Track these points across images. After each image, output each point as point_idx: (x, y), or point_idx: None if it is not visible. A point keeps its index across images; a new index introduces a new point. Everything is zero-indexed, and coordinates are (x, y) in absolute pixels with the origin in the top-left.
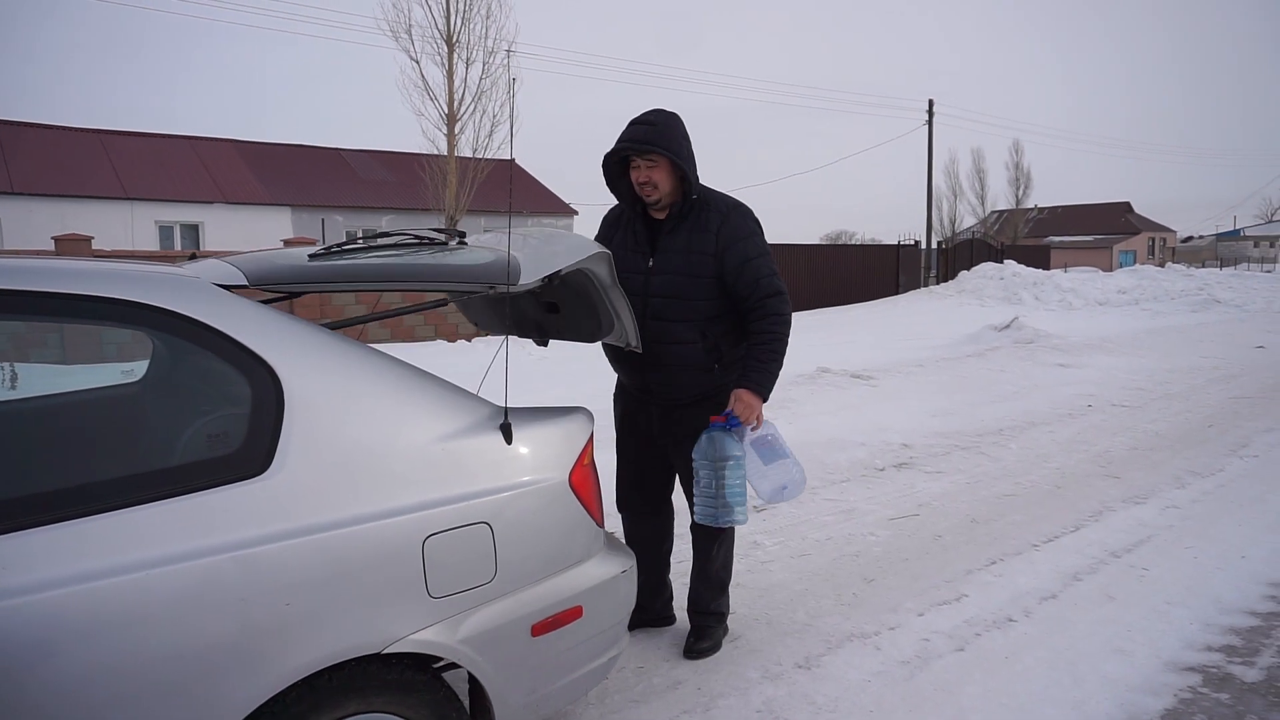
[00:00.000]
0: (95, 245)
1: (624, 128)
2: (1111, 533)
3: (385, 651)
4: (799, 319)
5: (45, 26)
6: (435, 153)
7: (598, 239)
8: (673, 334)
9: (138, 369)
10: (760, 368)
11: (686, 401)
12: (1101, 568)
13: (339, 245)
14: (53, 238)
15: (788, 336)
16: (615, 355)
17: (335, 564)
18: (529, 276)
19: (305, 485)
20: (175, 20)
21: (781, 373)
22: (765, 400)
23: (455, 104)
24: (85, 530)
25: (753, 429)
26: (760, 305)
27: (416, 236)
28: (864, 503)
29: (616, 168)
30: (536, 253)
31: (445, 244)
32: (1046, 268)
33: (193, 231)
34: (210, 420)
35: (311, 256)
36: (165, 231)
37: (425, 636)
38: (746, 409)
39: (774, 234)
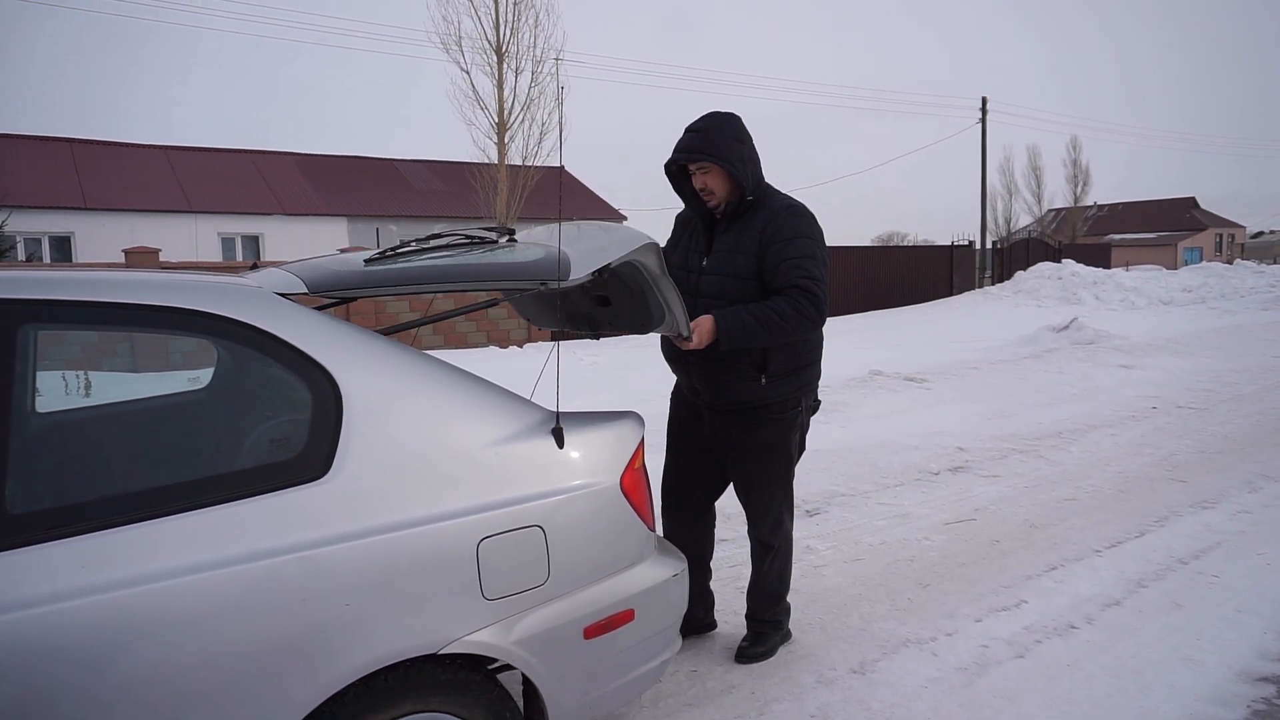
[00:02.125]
0: (162, 257)
1: (682, 134)
2: (1178, 538)
3: (441, 652)
4: (849, 322)
5: (115, 50)
6: (486, 161)
7: (670, 239)
8: None
9: (203, 376)
10: (742, 313)
11: (734, 408)
12: (1168, 574)
13: (393, 249)
14: (123, 250)
15: (792, 326)
16: (670, 353)
17: (392, 566)
18: (579, 271)
19: (363, 488)
20: (238, 40)
21: (833, 375)
22: (718, 339)
23: (505, 113)
24: (156, 532)
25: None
26: (784, 289)
27: (467, 236)
28: (918, 507)
29: (680, 173)
30: (586, 247)
31: (495, 242)
32: (1107, 266)
33: (253, 242)
34: (272, 425)
35: (367, 261)
36: (227, 243)
37: (479, 638)
38: (701, 337)
39: (826, 236)
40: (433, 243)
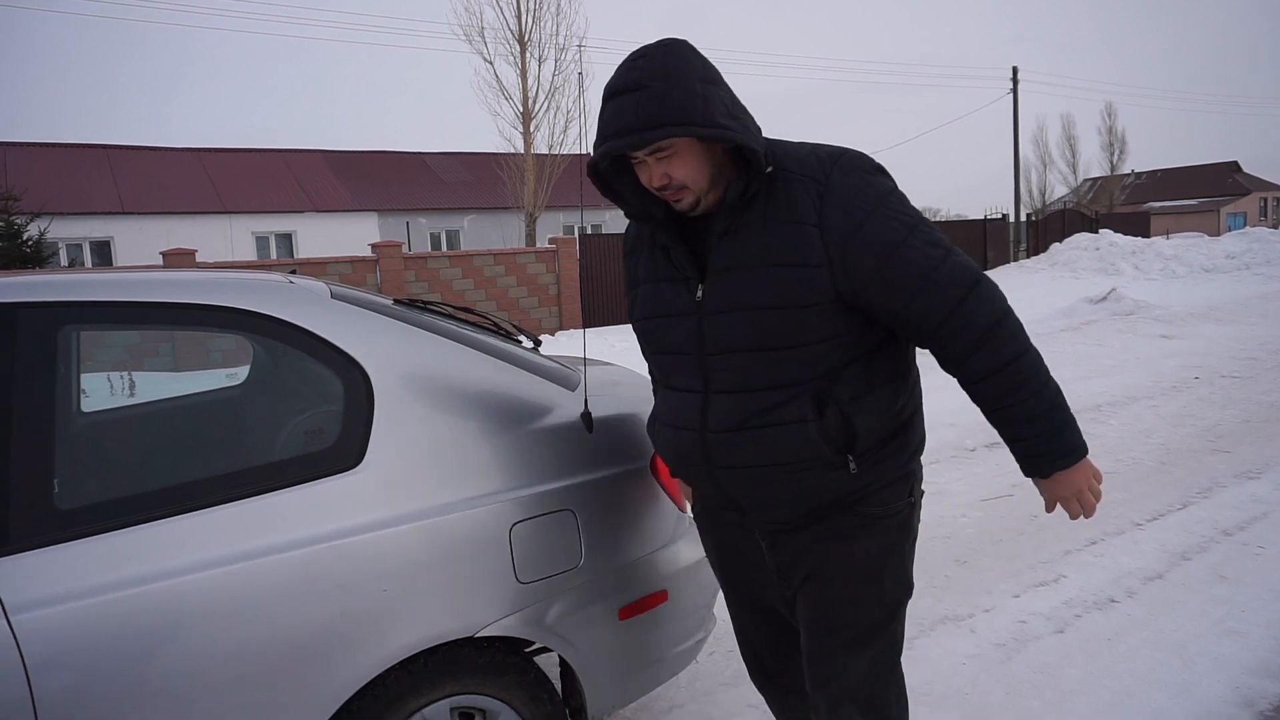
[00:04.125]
0: (199, 258)
1: (602, 105)
2: (1222, 509)
3: (477, 635)
4: None
5: (146, 56)
6: (512, 151)
7: (626, 280)
8: (763, 410)
9: (240, 373)
10: (1038, 421)
11: (803, 522)
12: (1212, 546)
13: (424, 303)
14: (160, 252)
15: (1029, 341)
16: (671, 446)
17: (427, 551)
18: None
19: (396, 476)
20: (265, 41)
21: None
22: (1081, 460)
23: (529, 102)
24: (198, 524)
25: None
26: (958, 323)
27: (495, 323)
28: (954, 484)
29: (614, 170)
30: (605, 404)
31: (519, 342)
32: (1146, 235)
33: (286, 240)
34: (307, 417)
35: (396, 302)
36: (261, 241)
37: (514, 621)
38: (1075, 492)
39: None
40: (462, 315)
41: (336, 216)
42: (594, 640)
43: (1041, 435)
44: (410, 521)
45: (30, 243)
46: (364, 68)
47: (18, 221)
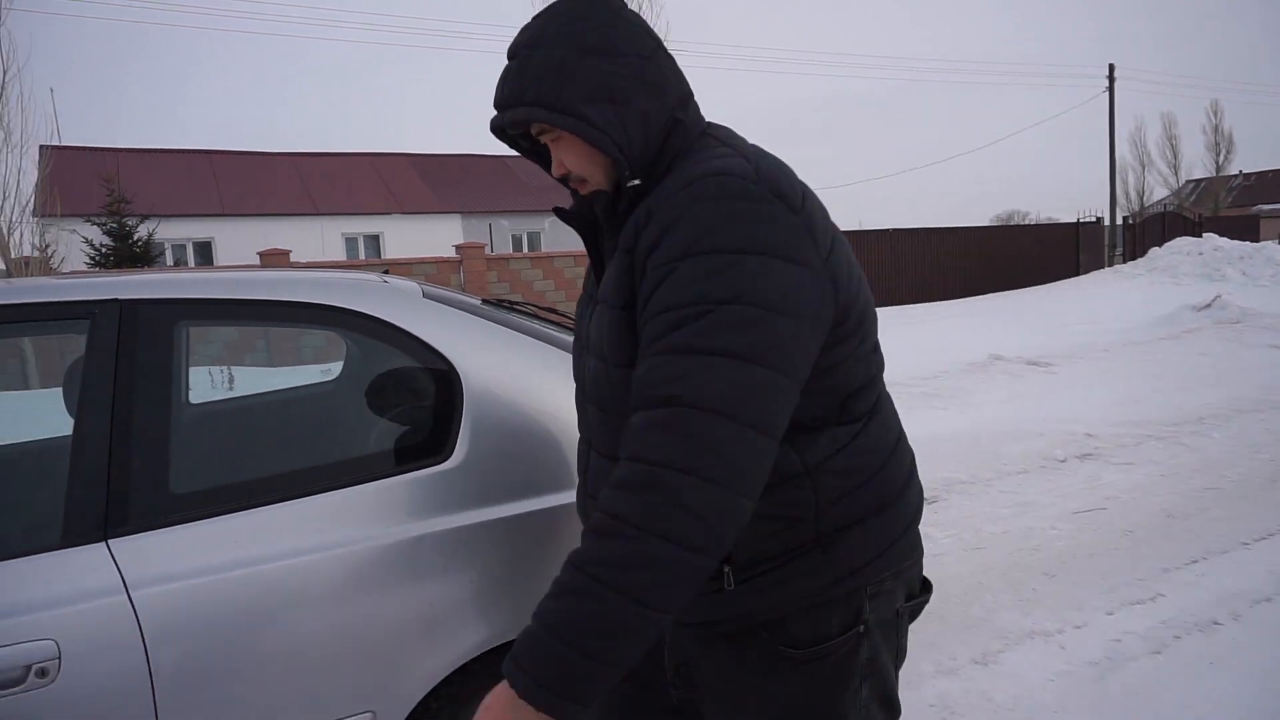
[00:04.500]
0: (292, 258)
1: None
2: None
3: None
4: (967, 305)
5: (244, 66)
6: None
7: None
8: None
9: (334, 369)
10: (547, 614)
11: (704, 635)
12: None
13: (510, 302)
14: (258, 253)
15: (654, 539)
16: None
17: (512, 544)
18: None
19: (482, 470)
20: (355, 49)
21: (949, 360)
22: (548, 708)
23: None
24: (300, 510)
25: None
26: (631, 434)
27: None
28: (1043, 495)
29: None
30: None
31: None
32: (1255, 239)
33: (374, 241)
34: (398, 413)
35: (484, 301)
36: (350, 242)
37: None
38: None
39: (940, 217)
40: (544, 314)
41: (422, 218)
42: None
43: (540, 629)
44: (499, 515)
45: (140, 243)
46: (447, 71)
47: (129, 223)
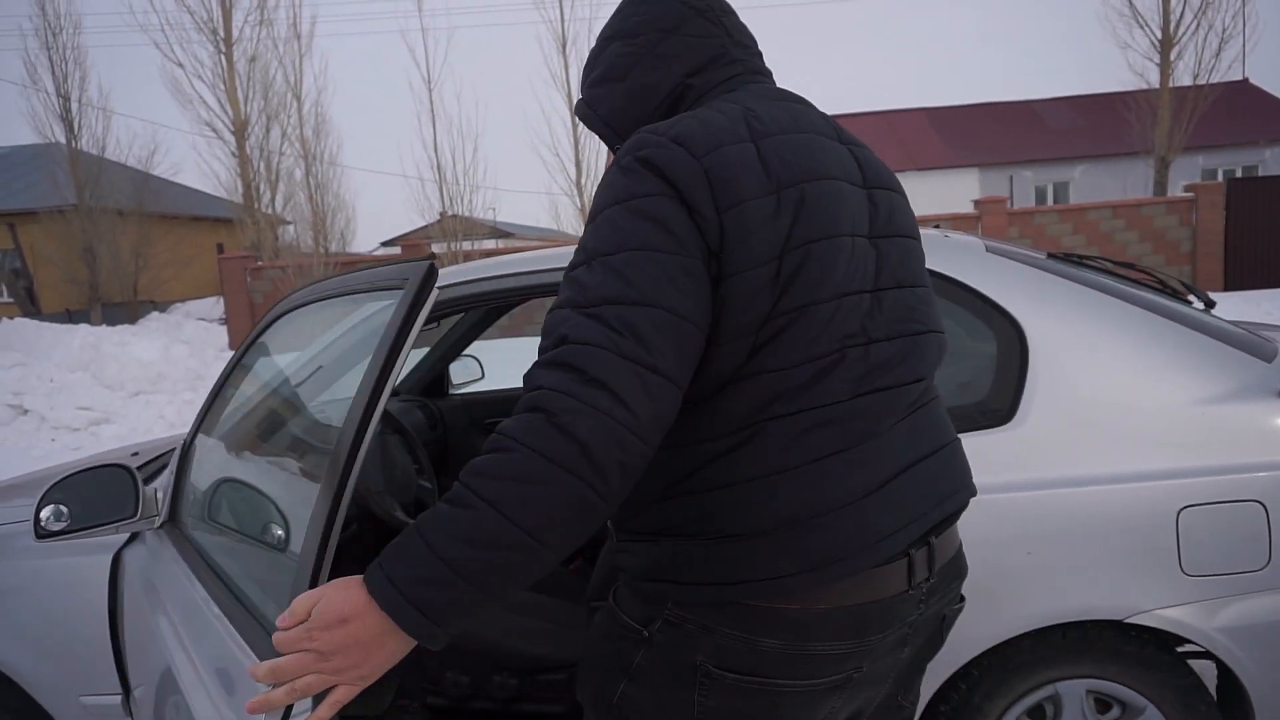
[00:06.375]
0: None
1: None
2: None
3: (1126, 621)
4: None
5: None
6: (1143, 87)
7: None
8: None
9: None
10: (423, 520)
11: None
12: None
13: (1079, 256)
14: None
15: (532, 454)
16: None
17: (1076, 521)
18: None
19: (1048, 438)
20: (870, 10)
21: None
22: (394, 609)
23: (1170, 25)
24: None
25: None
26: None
27: (1161, 280)
28: None
29: None
30: None
31: (1188, 302)
32: None
33: None
34: (958, 370)
35: (1049, 255)
36: None
37: (1174, 615)
38: (327, 620)
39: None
40: (1121, 271)
41: (935, 174)
42: (1274, 658)
43: (412, 530)
44: (1060, 487)
45: None
46: (968, 21)
47: None
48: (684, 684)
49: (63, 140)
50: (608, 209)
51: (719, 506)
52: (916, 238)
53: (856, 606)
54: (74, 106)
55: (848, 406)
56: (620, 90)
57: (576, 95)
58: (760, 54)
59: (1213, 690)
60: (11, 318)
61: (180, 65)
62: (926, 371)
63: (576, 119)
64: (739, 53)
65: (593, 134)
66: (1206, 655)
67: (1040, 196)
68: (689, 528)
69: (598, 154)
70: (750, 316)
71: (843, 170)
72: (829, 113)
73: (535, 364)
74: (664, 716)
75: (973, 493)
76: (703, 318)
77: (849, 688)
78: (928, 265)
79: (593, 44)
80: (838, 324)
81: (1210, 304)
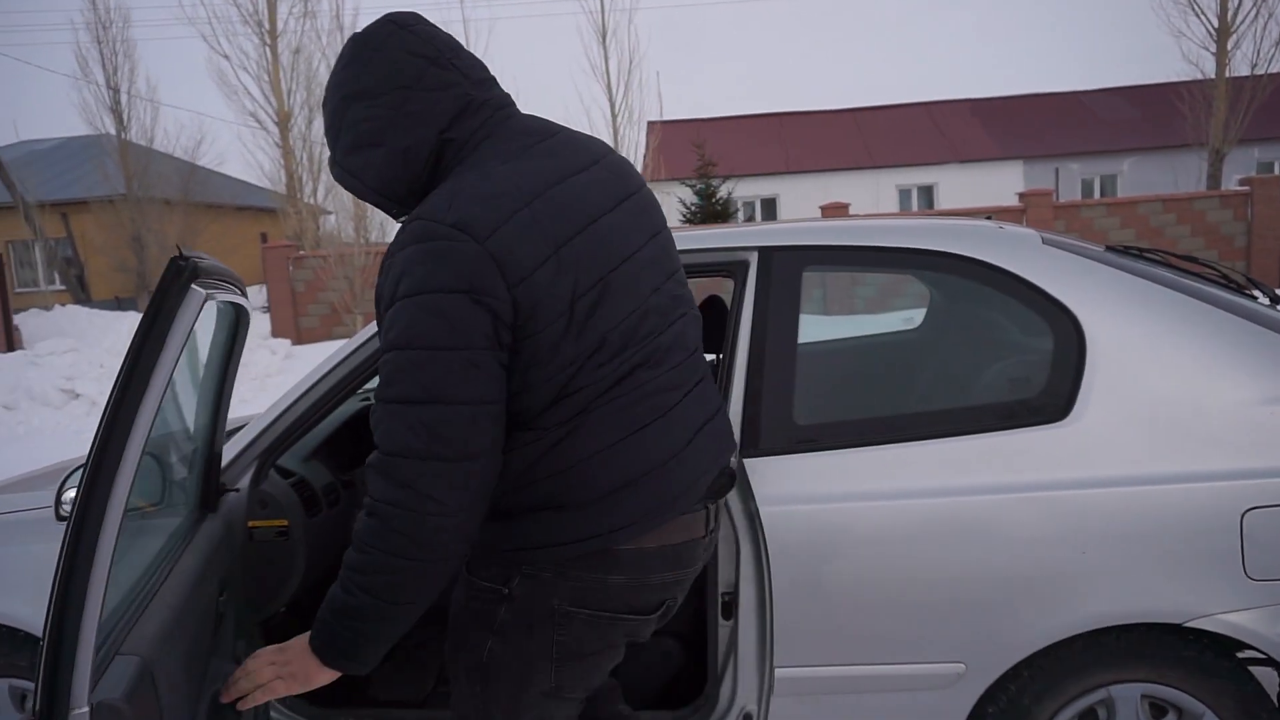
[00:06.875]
0: (850, 211)
1: None
2: None
3: (1185, 625)
4: None
5: (817, 25)
6: (1198, 78)
7: None
8: None
9: (915, 317)
10: (333, 597)
11: None
12: None
13: (1139, 249)
14: (819, 206)
15: (387, 576)
16: None
17: (1135, 521)
18: None
19: (1106, 436)
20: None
21: None
22: (332, 664)
23: (1228, 14)
24: (908, 454)
25: None
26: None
27: (1224, 274)
28: None
29: None
30: None
31: (1253, 296)
32: None
33: (927, 192)
34: (1009, 365)
35: (1108, 248)
36: (904, 194)
37: (1237, 620)
38: (278, 670)
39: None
40: (1176, 262)
41: (978, 166)
42: None
43: (327, 606)
44: (1118, 486)
45: (719, 201)
46: (1000, 11)
47: (713, 184)
48: (544, 626)
49: (112, 131)
50: (402, 299)
51: (565, 485)
52: (664, 224)
53: (676, 545)
54: (123, 98)
55: (653, 385)
56: (380, 156)
57: (617, 85)
58: (495, 80)
59: (1274, 698)
60: (64, 304)
61: (226, 57)
62: (696, 344)
63: (341, 186)
64: (480, 93)
65: (631, 126)
66: (1268, 662)
67: (1087, 190)
68: (541, 504)
69: (636, 145)
70: (557, 361)
71: (603, 198)
72: (858, 106)
73: (368, 465)
74: (527, 663)
75: (735, 450)
76: (496, 393)
77: (663, 618)
78: (982, 258)
79: (587, 43)
80: (632, 332)
81: (1276, 299)
